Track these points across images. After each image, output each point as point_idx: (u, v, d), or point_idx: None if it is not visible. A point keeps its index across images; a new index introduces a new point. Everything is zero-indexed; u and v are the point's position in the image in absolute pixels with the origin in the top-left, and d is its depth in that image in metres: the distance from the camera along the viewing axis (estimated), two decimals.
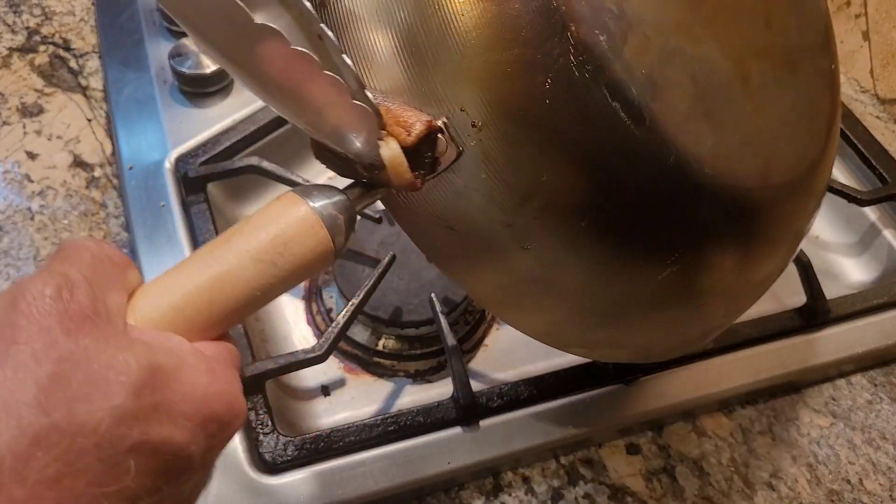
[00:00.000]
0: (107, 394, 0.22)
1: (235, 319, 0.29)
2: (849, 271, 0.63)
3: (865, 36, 0.73)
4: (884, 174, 0.62)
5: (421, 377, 0.52)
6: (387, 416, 0.45)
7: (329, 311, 0.54)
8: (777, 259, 0.39)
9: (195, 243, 0.52)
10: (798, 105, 0.37)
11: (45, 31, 0.67)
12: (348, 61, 0.29)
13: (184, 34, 0.63)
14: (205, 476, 0.27)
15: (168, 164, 0.56)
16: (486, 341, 0.55)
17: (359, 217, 0.55)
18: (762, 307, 0.55)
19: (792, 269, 0.55)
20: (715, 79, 0.33)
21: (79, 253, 0.26)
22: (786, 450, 0.50)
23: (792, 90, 0.37)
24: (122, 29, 0.65)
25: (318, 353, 0.45)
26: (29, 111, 0.61)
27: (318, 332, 0.54)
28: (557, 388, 0.48)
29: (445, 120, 0.30)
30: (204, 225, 0.52)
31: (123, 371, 0.23)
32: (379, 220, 0.54)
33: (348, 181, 0.33)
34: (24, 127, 0.60)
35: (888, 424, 0.52)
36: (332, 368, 0.52)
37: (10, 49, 0.65)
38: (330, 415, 0.50)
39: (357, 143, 0.30)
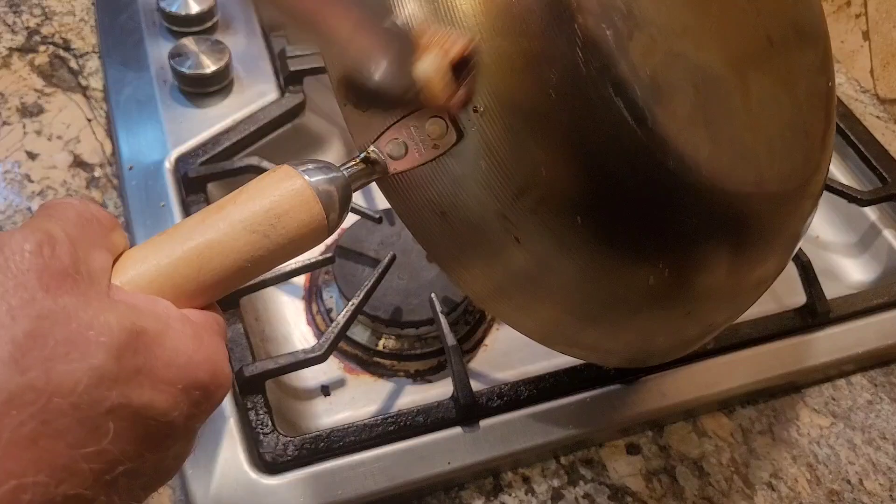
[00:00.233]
0: (85, 354, 0.22)
1: (224, 289, 0.28)
2: (849, 271, 0.63)
3: (865, 36, 0.73)
4: (884, 174, 0.62)
5: (421, 377, 0.52)
6: (387, 416, 0.45)
7: (329, 311, 0.54)
8: (771, 263, 0.40)
9: None
10: (794, 122, 0.38)
11: (45, 31, 0.67)
12: None
13: (184, 34, 0.63)
14: (187, 445, 0.27)
15: (168, 164, 0.56)
16: (486, 341, 0.55)
17: (358, 217, 0.55)
18: (762, 307, 0.55)
19: (792, 269, 0.55)
20: (716, 88, 0.34)
21: (63, 210, 0.26)
22: (786, 450, 0.50)
23: (789, 107, 0.37)
24: (122, 29, 0.65)
25: (318, 353, 0.45)
26: (29, 111, 0.61)
27: (318, 332, 0.54)
28: (557, 388, 0.48)
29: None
30: None
31: (104, 332, 0.23)
32: (379, 220, 0.54)
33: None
34: (24, 127, 0.60)
35: (888, 424, 0.52)
36: (332, 368, 0.52)
37: (10, 49, 0.65)
38: (330, 415, 0.50)
39: (387, 69, 0.29)
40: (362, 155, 0.32)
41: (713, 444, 0.50)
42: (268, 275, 0.49)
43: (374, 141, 0.32)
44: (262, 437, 0.44)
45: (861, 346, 0.54)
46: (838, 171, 0.65)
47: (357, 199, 0.57)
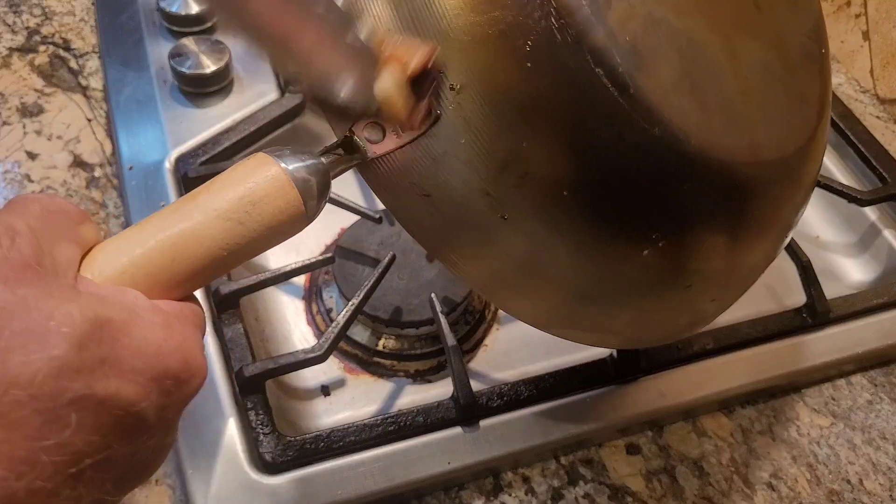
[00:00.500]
0: (45, 345, 0.22)
1: (201, 280, 0.28)
2: (849, 271, 0.63)
3: (865, 36, 0.73)
4: (884, 174, 0.62)
5: (421, 377, 0.52)
6: (387, 416, 0.45)
7: (329, 311, 0.54)
8: (764, 246, 0.39)
9: None
10: (787, 86, 0.36)
11: (45, 31, 0.67)
12: (337, 1, 0.28)
13: (184, 34, 0.63)
14: (165, 437, 0.26)
15: (168, 164, 0.56)
16: (486, 341, 0.55)
17: (358, 217, 0.55)
18: (762, 307, 0.55)
19: (792, 269, 0.55)
20: (701, 53, 0.33)
21: (27, 204, 0.25)
22: (786, 450, 0.50)
23: (781, 71, 0.36)
24: (122, 29, 0.65)
25: (318, 353, 0.45)
26: (29, 111, 0.61)
27: (318, 332, 0.54)
28: (557, 388, 0.48)
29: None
30: None
31: (66, 322, 0.22)
32: (379, 220, 0.54)
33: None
34: (24, 127, 0.60)
35: (888, 424, 0.52)
36: (332, 368, 0.52)
37: (10, 49, 0.65)
38: (330, 415, 0.50)
39: (350, 85, 0.29)
40: (340, 140, 0.32)
41: (713, 444, 0.50)
42: (268, 275, 0.49)
43: (352, 126, 0.31)
44: (261, 437, 0.44)
45: (861, 346, 0.54)
46: (838, 171, 0.65)
47: (357, 199, 0.57)
